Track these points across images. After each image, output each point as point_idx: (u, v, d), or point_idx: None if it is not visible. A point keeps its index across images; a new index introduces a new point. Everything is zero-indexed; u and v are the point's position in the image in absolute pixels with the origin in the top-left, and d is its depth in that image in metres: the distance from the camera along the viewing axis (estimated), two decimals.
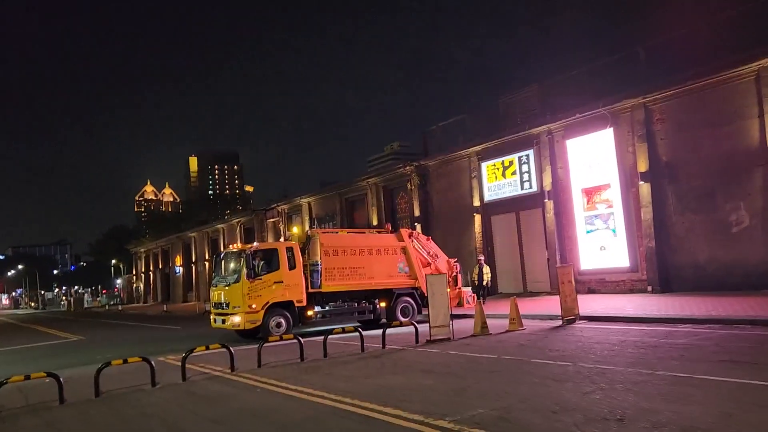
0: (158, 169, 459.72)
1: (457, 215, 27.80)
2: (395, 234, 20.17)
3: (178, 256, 60.95)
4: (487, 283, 23.12)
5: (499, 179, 25.96)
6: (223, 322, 17.55)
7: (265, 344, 15.35)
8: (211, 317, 18.53)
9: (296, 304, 17.79)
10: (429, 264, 20.40)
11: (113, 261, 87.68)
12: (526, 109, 25.36)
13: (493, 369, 10.21)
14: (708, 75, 18.70)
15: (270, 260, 17.66)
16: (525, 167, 24.78)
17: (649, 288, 20.21)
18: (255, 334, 18.40)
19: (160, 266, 66.27)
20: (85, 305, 77.63)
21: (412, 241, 20.22)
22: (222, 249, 50.44)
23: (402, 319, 19.36)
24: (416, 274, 19.87)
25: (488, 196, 26.63)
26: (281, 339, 13.29)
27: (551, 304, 20.42)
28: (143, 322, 34.79)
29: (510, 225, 25.71)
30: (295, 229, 20.32)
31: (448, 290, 20.54)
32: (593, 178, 22.17)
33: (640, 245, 20.75)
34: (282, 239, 41.82)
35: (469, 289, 21.04)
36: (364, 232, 20.11)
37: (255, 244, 17.87)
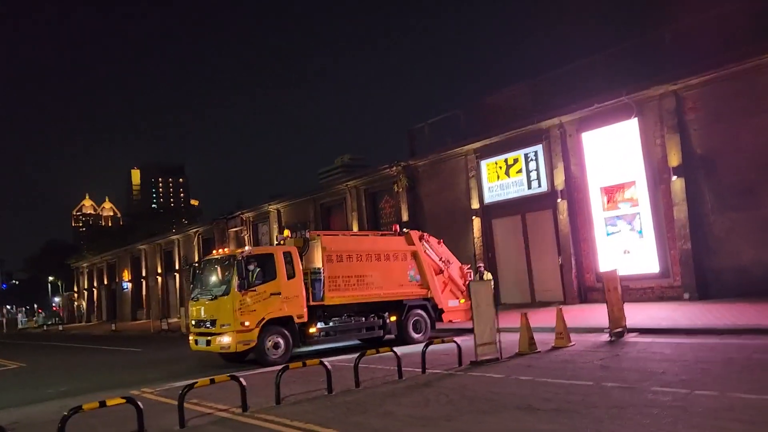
0: (97, 182, 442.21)
1: (453, 219, 25.34)
2: (404, 237, 17.49)
3: (125, 271, 56.40)
4: None
5: (502, 179, 23.65)
6: (208, 343, 14.43)
7: (262, 370, 12.57)
8: (191, 338, 15.37)
9: (296, 320, 14.87)
10: (441, 271, 17.80)
11: (51, 278, 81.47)
12: (532, 102, 23.16)
13: (608, 403, 7.62)
14: (749, 58, 16.89)
15: (265, 268, 14.70)
16: (533, 165, 22.56)
17: (686, 295, 18.16)
18: (242, 357, 15.40)
19: (105, 282, 61.37)
20: (19, 326, 71.62)
21: (423, 244, 17.60)
22: (178, 261, 46.56)
23: (414, 336, 16.71)
24: (428, 282, 17.24)
25: (489, 198, 24.28)
26: (304, 365, 10.32)
27: (575, 315, 18.20)
28: (92, 344, 30.88)
29: (515, 228, 23.41)
30: (286, 231, 17.25)
31: (462, 301, 18.17)
32: (614, 175, 20.09)
33: (671, 248, 18.72)
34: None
35: None
36: (368, 235, 17.36)
37: (247, 248, 14.88)
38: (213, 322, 14.34)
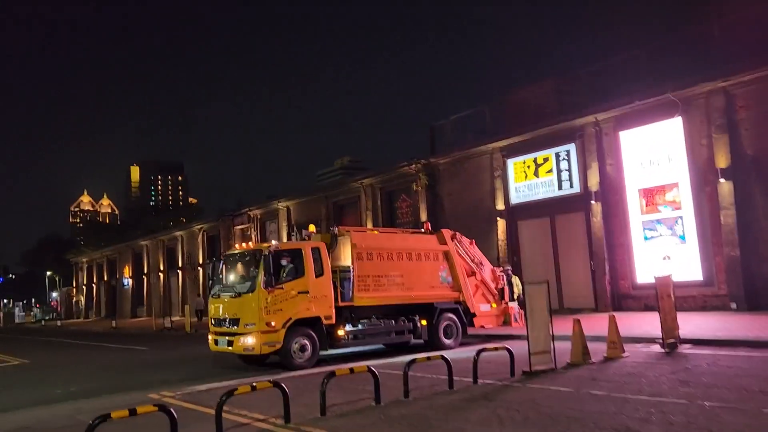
0: (96, 178, 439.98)
1: (475, 220, 24.26)
2: (436, 235, 16.44)
3: (126, 267, 55.23)
4: (518, 297, 19.65)
5: (531, 179, 22.61)
6: (230, 344, 13.33)
7: (289, 375, 11.58)
8: (210, 338, 14.27)
9: (324, 322, 13.78)
10: (473, 273, 16.75)
11: (48, 272, 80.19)
12: (563, 99, 22.16)
13: (729, 427, 6.53)
14: None
15: (292, 264, 13.62)
16: (564, 164, 21.53)
17: (733, 305, 17.12)
18: (262, 360, 14.34)
19: (105, 278, 60.16)
20: (16, 320, 70.36)
21: (455, 244, 16.55)
22: (181, 258, 45.46)
23: (446, 341, 15.64)
24: (460, 285, 16.19)
25: (515, 198, 23.23)
26: (352, 372, 9.22)
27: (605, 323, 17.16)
28: (94, 341, 29.71)
29: (543, 231, 22.36)
30: (311, 226, 16.17)
31: (494, 305, 17.13)
32: (655, 177, 19.05)
33: (717, 254, 17.69)
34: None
35: (516, 304, 17.45)
36: (398, 232, 16.28)
37: (274, 242, 13.76)
38: (236, 322, 13.25)
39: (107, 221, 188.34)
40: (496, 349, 10.99)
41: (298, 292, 13.42)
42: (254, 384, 7.87)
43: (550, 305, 11.41)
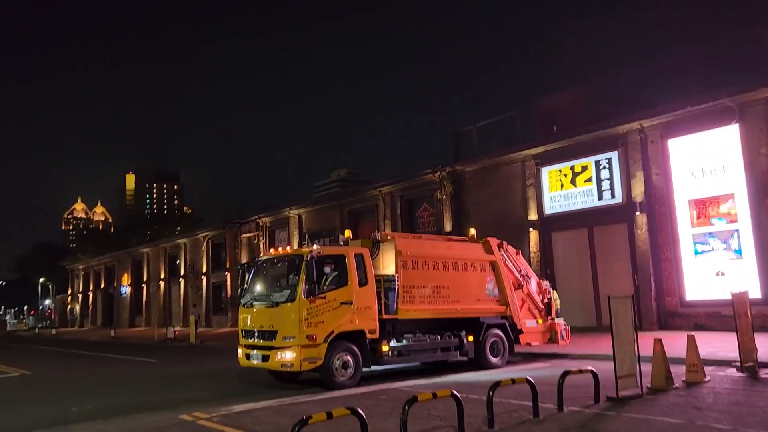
0: (90, 186, 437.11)
1: (504, 231, 22.88)
2: (482, 244, 15.22)
3: (125, 275, 53.67)
4: (556, 312, 18.41)
5: (567, 188, 21.45)
6: (264, 359, 12.00)
7: (330, 395, 10.39)
8: (240, 351, 12.95)
9: (368, 336, 12.50)
10: (520, 286, 15.51)
11: (41, 279, 78.33)
12: (598, 106, 21.08)
13: None
14: None
15: (335, 272, 12.36)
16: (605, 173, 20.38)
17: None
18: (295, 377, 13.04)
19: (103, 285, 58.52)
20: (8, 328, 68.49)
21: (502, 254, 15.33)
22: (184, 267, 44.03)
23: (492, 360, 14.37)
24: (507, 298, 14.94)
25: (550, 208, 22.05)
26: (435, 397, 7.88)
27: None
28: (94, 351, 28.23)
29: (580, 243, 21.16)
30: (348, 231, 14.90)
31: (540, 321, 15.89)
32: (708, 187, 17.93)
33: None
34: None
35: (562, 320, 16.20)
36: (442, 239, 15.05)
37: (316, 247, 12.48)
38: (272, 334, 11.93)
39: (101, 228, 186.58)
40: (580, 371, 9.70)
41: (341, 303, 12.15)
42: (330, 412, 6.57)
43: (635, 322, 10.17)
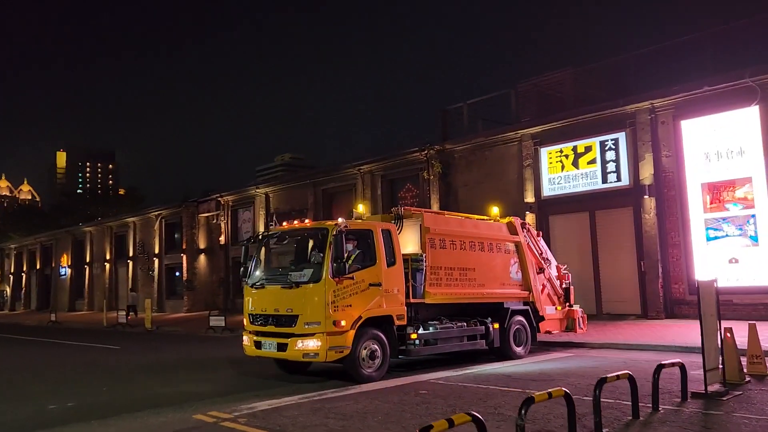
0: (15, 163, 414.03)
1: None
2: (506, 223, 13.97)
3: (65, 255, 50.06)
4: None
5: (568, 170, 20.46)
6: (281, 348, 10.36)
7: (361, 388, 9.13)
8: (246, 338, 11.24)
9: (395, 322, 11.05)
10: (542, 270, 14.38)
11: None
12: (600, 85, 20.17)
13: None
14: None
15: (363, 249, 10.83)
16: (611, 155, 19.47)
17: None
18: (304, 368, 11.51)
19: (38, 266, 54.53)
20: None
21: (525, 235, 14.15)
22: (133, 247, 41.19)
23: (516, 349, 13.19)
24: (530, 283, 13.79)
25: (548, 191, 21.04)
26: (550, 397, 6.43)
27: (677, 333, 15.23)
28: (38, 336, 25.68)
29: (580, 228, 20.24)
30: (361, 207, 13.30)
31: (558, 308, 14.81)
32: (723, 171, 17.25)
33: None
34: (222, 237, 33.95)
35: (579, 308, 15.17)
36: (467, 217, 13.71)
37: (341, 220, 10.87)
38: (291, 320, 10.29)
39: (27, 206, 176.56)
40: (673, 365, 8.51)
41: (370, 285, 10.63)
42: (451, 419, 5.08)
43: (719, 310, 9.10)
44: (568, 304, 14.91)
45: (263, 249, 11.52)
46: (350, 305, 10.28)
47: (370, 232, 10.95)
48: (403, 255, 11.44)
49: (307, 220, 11.90)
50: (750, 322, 10.94)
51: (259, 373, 11.85)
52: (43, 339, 24.16)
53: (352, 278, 10.32)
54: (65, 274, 49.48)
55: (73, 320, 36.74)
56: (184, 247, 36.68)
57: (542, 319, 13.99)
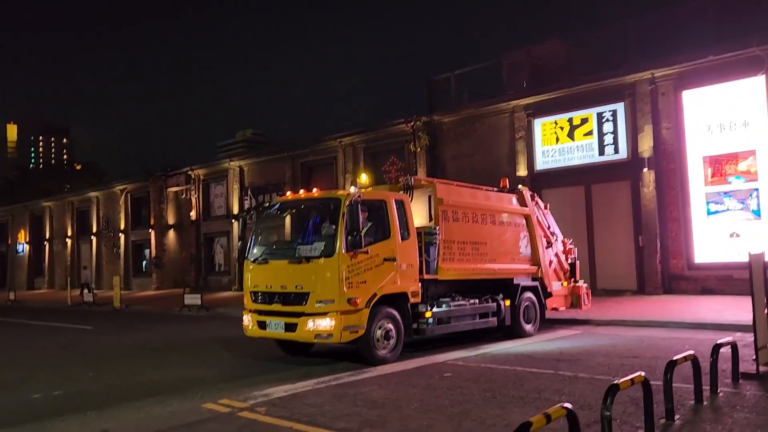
0: None
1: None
2: (516, 195, 13.27)
3: (22, 231, 47.73)
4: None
5: (564, 142, 19.86)
6: (289, 328, 9.47)
7: (377, 371, 8.59)
8: (246, 318, 10.30)
9: (410, 299, 10.27)
10: (551, 244, 13.77)
11: None
12: (609, 53, 19.55)
13: None
14: None
15: (376, 221, 9.97)
16: (608, 126, 18.92)
17: None
18: (306, 349, 10.71)
19: None
20: None
21: (535, 207, 13.50)
22: (96, 223, 39.44)
23: (525, 327, 12.60)
24: (539, 257, 13.18)
25: (542, 164, 20.43)
26: (647, 384, 5.69)
27: (682, 309, 14.91)
28: (2, 316, 24.12)
29: (575, 202, 19.70)
30: (364, 177, 12.34)
31: (564, 284, 14.25)
32: (725, 143, 16.86)
33: None
34: (193, 213, 32.60)
35: (584, 283, 14.64)
36: (478, 188, 12.91)
37: (354, 189, 9.95)
38: (300, 297, 9.39)
39: None
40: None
41: (384, 259, 9.80)
42: (549, 414, 4.31)
43: (767, 285, 8.55)
44: (573, 279, 14.38)
45: (268, 221, 10.55)
46: (365, 281, 9.45)
47: (384, 202, 10.09)
48: (416, 228, 10.64)
49: (315, 190, 10.91)
50: None
51: (258, 355, 10.99)
52: (4, 319, 22.68)
53: (367, 252, 9.46)
54: (23, 251, 47.24)
55: (33, 299, 35.02)
56: (152, 222, 35.14)
57: (550, 295, 13.45)
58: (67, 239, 42.57)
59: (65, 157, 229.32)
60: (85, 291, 28.71)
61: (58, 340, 15.17)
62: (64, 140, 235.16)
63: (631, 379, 5.42)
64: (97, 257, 39.82)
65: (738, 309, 14.24)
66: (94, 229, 40.17)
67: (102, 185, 42.74)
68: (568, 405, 4.47)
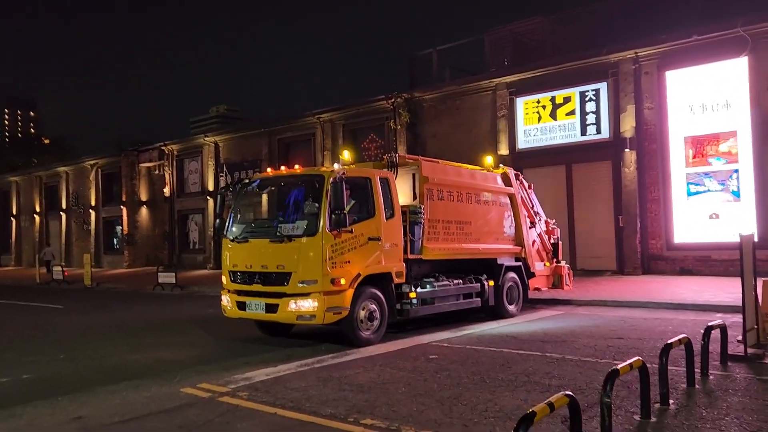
0: None
1: None
2: (500, 174, 13.06)
3: None
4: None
5: (546, 121, 19.69)
6: (270, 309, 9.18)
7: (360, 353, 8.37)
8: (225, 298, 9.97)
9: (394, 279, 10.04)
10: (534, 224, 13.64)
11: None
12: (593, 31, 19.33)
13: None
14: None
15: (360, 199, 9.68)
16: (591, 106, 18.78)
17: None
18: (287, 329, 10.46)
19: None
20: None
21: (519, 187, 13.32)
22: (66, 199, 38.43)
23: (509, 308, 12.49)
24: (522, 238, 13.03)
25: (524, 143, 20.27)
26: (643, 368, 5.51)
27: (661, 290, 14.94)
28: None
29: (555, 181, 19.60)
30: (346, 154, 11.99)
31: (547, 264, 14.17)
32: (707, 124, 16.85)
33: None
34: (167, 189, 31.90)
35: (565, 263, 14.58)
36: (466, 167, 12.65)
37: (338, 166, 9.64)
38: (282, 278, 9.09)
39: None
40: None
41: (369, 239, 9.54)
42: (552, 402, 4.11)
43: (755, 266, 8.47)
44: (555, 260, 14.30)
45: (247, 198, 10.19)
46: (349, 261, 9.19)
47: (368, 180, 9.79)
48: (401, 207, 10.38)
49: (297, 166, 10.54)
50: (764, 279, 10.45)
51: (238, 336, 10.68)
52: None
53: (351, 231, 9.18)
54: None
55: (0, 276, 34.10)
56: (123, 199, 34.31)
57: (533, 275, 13.34)
58: (35, 215, 41.45)
59: (32, 130, 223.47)
60: (56, 269, 27.96)
61: (26, 320, 14.67)
62: (31, 113, 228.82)
63: (630, 364, 5.27)
64: (67, 234, 38.86)
65: (717, 290, 14.34)
66: (64, 205, 39.14)
67: (71, 160, 41.55)
68: (569, 393, 4.29)
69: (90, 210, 36.96)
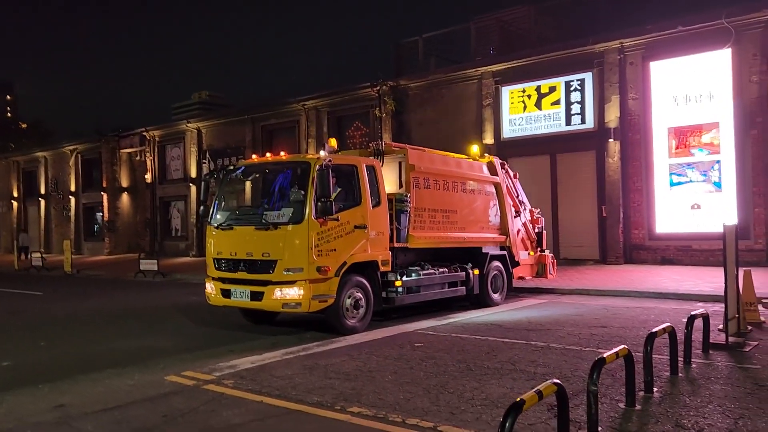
0: None
1: None
2: (486, 163, 13.06)
3: None
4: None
5: (531, 110, 19.70)
6: (255, 297, 9.12)
7: (344, 341, 8.27)
8: (209, 286, 9.89)
9: (380, 267, 10.02)
10: (519, 213, 13.68)
11: None
12: (578, 20, 19.35)
13: None
14: None
15: (346, 187, 9.62)
16: (576, 96, 18.83)
17: None
18: (271, 317, 10.42)
19: None
20: None
21: (504, 176, 13.34)
22: (45, 185, 37.85)
23: (494, 297, 12.55)
24: (507, 227, 13.07)
25: (509, 132, 20.28)
26: (629, 356, 5.54)
27: (644, 278, 15.10)
28: None
29: (540, 171, 19.65)
30: (333, 140, 11.86)
31: (531, 253, 14.24)
32: (690, 115, 16.97)
33: (756, 205, 16.08)
34: (148, 176, 31.55)
35: (549, 252, 14.65)
36: (452, 156, 12.61)
37: (324, 153, 9.58)
38: (267, 265, 9.03)
39: None
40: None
41: (355, 227, 9.50)
42: (541, 390, 4.12)
43: (737, 256, 8.55)
44: (540, 249, 14.38)
45: (232, 185, 10.08)
46: (335, 249, 9.14)
47: (354, 168, 9.73)
48: (387, 195, 10.34)
49: (282, 153, 10.43)
50: (745, 269, 10.59)
51: (222, 324, 10.62)
52: None
53: (338, 219, 9.13)
54: None
55: None
56: (104, 185, 33.85)
57: (517, 264, 13.40)
58: (12, 201, 40.80)
59: (9, 114, 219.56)
60: (35, 255, 27.59)
61: (4, 307, 14.45)
62: (8, 97, 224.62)
63: (616, 353, 5.30)
64: (46, 220, 38.32)
65: (697, 279, 14.53)
66: (43, 191, 38.55)
67: (50, 145, 40.88)
68: (557, 381, 4.30)
69: (70, 196, 36.45)
